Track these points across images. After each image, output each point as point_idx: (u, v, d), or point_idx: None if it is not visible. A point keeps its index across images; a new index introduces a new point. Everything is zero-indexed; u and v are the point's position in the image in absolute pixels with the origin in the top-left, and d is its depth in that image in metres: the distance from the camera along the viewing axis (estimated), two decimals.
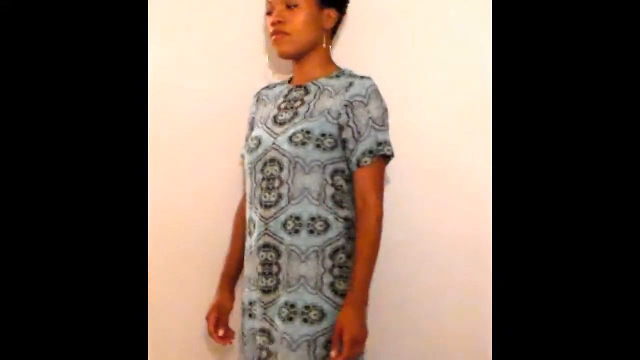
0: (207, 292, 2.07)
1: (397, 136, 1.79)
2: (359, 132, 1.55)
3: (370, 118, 1.56)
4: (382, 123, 1.57)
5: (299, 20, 1.61)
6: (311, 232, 1.56)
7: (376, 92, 1.58)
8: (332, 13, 1.63)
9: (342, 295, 1.53)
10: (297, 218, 1.56)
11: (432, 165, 1.89)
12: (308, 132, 1.57)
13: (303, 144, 1.57)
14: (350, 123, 1.56)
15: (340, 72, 1.63)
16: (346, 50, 1.75)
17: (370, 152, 1.55)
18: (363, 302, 1.52)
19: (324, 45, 1.64)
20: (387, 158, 1.58)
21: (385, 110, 1.59)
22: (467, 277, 1.91)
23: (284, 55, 1.65)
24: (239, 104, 2.04)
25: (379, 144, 1.56)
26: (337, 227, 1.56)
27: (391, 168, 1.70)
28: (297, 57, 1.65)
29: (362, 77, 1.60)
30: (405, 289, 1.69)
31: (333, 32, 1.68)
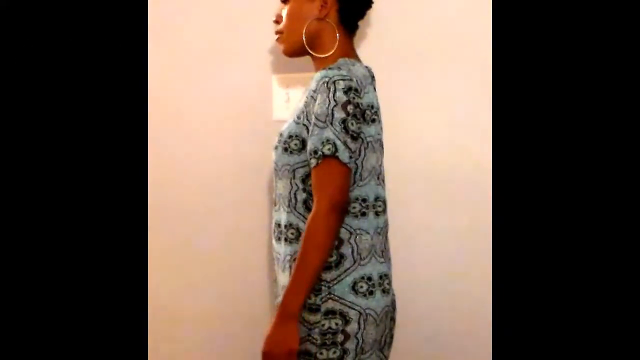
0: (206, 293, 2.07)
1: (398, 137, 1.79)
2: (311, 131, 1.42)
3: (314, 114, 1.41)
4: (324, 119, 1.39)
5: (286, 15, 1.55)
6: (286, 240, 1.49)
7: (326, 85, 1.40)
8: (323, 1, 1.50)
9: (311, 309, 1.44)
10: (278, 225, 1.52)
11: (433, 166, 1.89)
12: (281, 134, 1.50)
13: (275, 148, 1.51)
14: (305, 121, 1.45)
15: (333, 66, 1.47)
16: None
17: (315, 152, 1.40)
18: (287, 315, 1.39)
19: (327, 36, 1.51)
20: (336, 158, 1.39)
21: (337, 104, 1.38)
22: (468, 277, 1.91)
23: (286, 54, 1.59)
24: (238, 104, 2.04)
25: (322, 142, 1.39)
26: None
27: (392, 169, 1.70)
28: (301, 53, 1.56)
29: (329, 69, 1.44)
30: (405, 289, 1.69)
31: (345, 21, 1.53)
